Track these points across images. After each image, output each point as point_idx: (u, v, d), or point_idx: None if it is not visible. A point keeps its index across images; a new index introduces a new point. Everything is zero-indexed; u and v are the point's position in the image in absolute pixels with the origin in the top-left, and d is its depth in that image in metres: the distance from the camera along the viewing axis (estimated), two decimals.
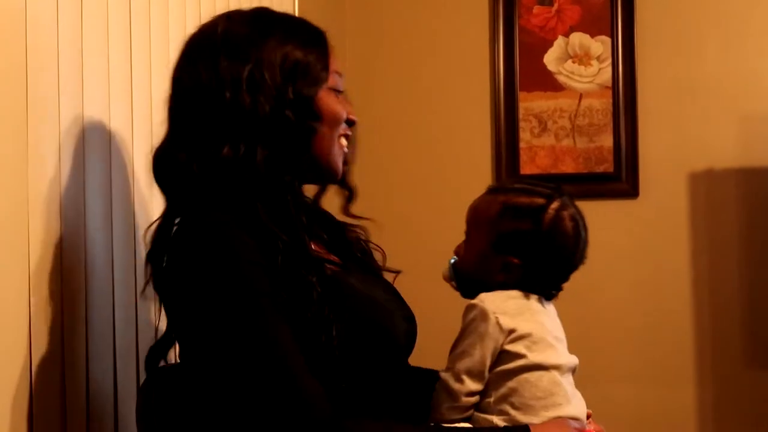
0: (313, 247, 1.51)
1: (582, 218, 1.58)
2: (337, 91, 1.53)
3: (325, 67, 1.50)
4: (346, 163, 1.57)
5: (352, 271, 1.58)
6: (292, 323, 1.38)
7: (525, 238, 1.54)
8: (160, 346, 1.56)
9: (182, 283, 1.41)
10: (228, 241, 1.39)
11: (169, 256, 1.44)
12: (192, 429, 1.50)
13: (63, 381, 1.55)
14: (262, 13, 1.59)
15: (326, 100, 1.50)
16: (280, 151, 1.45)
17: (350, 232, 1.67)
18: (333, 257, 1.58)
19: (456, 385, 1.49)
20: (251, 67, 1.47)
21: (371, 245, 1.69)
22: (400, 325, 1.55)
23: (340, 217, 1.69)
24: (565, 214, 1.55)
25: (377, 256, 1.69)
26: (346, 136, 1.55)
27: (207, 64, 1.48)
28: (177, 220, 1.47)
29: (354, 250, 1.65)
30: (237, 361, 1.36)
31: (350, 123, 1.55)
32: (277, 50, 1.48)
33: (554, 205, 1.54)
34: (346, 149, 1.55)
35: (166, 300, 1.47)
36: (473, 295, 1.56)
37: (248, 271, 1.37)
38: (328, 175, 1.55)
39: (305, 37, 1.52)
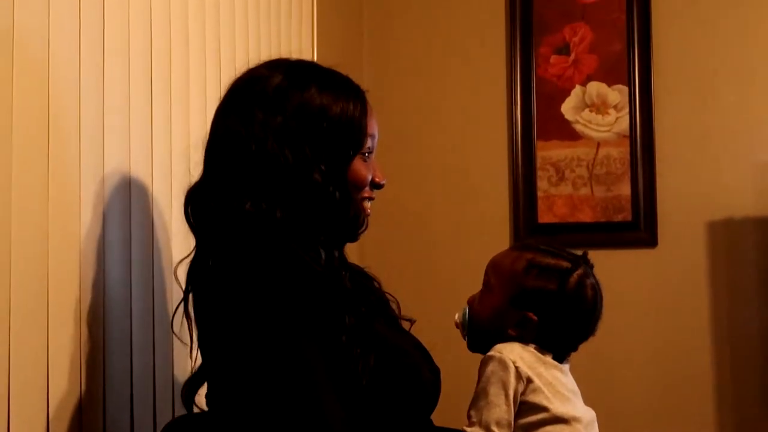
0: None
1: (600, 290, 1.60)
2: (368, 154, 1.52)
3: (363, 132, 1.50)
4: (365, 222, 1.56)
5: (377, 319, 1.57)
6: (330, 373, 1.37)
7: (547, 297, 1.56)
8: (196, 379, 1.55)
9: (223, 322, 1.40)
10: (266, 284, 1.38)
11: (209, 294, 1.43)
12: None
13: (80, 427, 1.55)
14: (302, 64, 1.57)
15: (356, 165, 1.50)
16: (301, 212, 1.46)
17: (370, 281, 1.66)
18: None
19: None
20: (282, 121, 1.46)
21: (387, 294, 1.68)
22: (428, 376, 1.55)
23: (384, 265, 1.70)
24: (588, 282, 1.58)
25: (393, 305, 1.68)
26: (371, 198, 1.55)
27: (241, 114, 1.48)
28: (211, 260, 1.46)
29: (375, 299, 1.64)
30: (276, 406, 1.34)
31: (376, 186, 1.55)
32: (313, 105, 1.48)
33: (579, 271, 1.57)
34: (369, 210, 1.55)
35: (203, 336, 1.47)
36: (480, 347, 1.59)
37: (291, 323, 1.36)
38: (348, 237, 1.55)
39: (344, 96, 1.51)
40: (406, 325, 1.67)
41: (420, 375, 1.53)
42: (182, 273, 1.52)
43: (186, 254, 1.55)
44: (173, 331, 1.65)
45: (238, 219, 1.43)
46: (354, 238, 1.55)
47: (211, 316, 1.42)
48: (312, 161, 1.45)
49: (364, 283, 1.63)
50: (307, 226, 1.46)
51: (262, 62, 1.55)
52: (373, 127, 1.53)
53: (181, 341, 1.59)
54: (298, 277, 1.39)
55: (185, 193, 1.51)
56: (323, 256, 1.48)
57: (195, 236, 1.50)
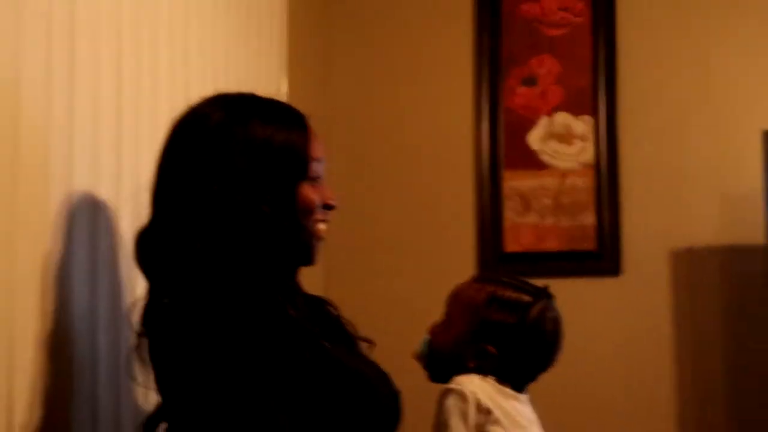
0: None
1: (561, 324, 1.64)
2: (315, 178, 1.53)
3: (307, 158, 1.50)
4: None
5: (335, 345, 1.56)
6: (287, 408, 1.37)
7: (507, 329, 1.59)
8: (155, 417, 1.53)
9: (181, 363, 1.39)
10: (220, 326, 1.38)
11: (164, 336, 1.43)
12: None
13: None
14: (242, 98, 1.59)
15: (303, 191, 1.50)
16: (253, 244, 1.46)
17: (328, 306, 1.67)
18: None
19: None
20: (227, 158, 1.48)
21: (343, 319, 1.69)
22: (387, 399, 1.53)
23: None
24: (548, 315, 1.61)
25: (349, 326, 1.70)
26: (324, 220, 1.55)
27: (185, 154, 1.50)
28: (165, 300, 1.45)
29: (332, 325, 1.65)
30: None
31: (328, 207, 1.55)
32: (254, 139, 1.49)
33: (540, 305, 1.61)
34: (322, 233, 1.55)
35: (161, 376, 1.45)
36: (441, 378, 1.60)
37: (244, 359, 1.37)
38: (302, 261, 1.55)
39: (286, 125, 1.52)
40: (367, 348, 1.67)
41: (378, 398, 1.52)
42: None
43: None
44: (132, 375, 1.65)
45: (189, 260, 1.44)
46: (309, 261, 1.55)
47: (169, 357, 1.42)
48: (259, 193, 1.46)
49: (318, 309, 1.64)
50: (260, 257, 1.46)
51: (202, 98, 1.57)
52: (318, 151, 1.54)
53: (139, 384, 1.59)
54: (247, 316, 1.40)
55: (134, 236, 1.52)
56: (273, 285, 1.49)
57: (147, 279, 1.51)
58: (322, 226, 1.54)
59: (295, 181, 1.49)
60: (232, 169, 1.46)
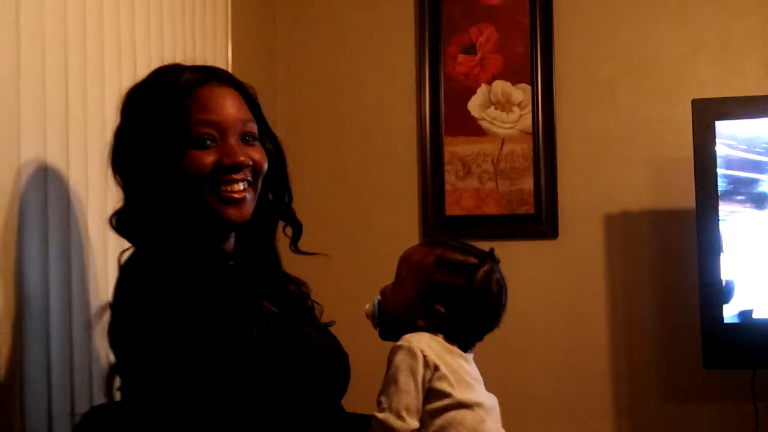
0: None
1: (505, 286, 1.64)
2: (203, 143, 1.51)
3: (183, 126, 1.49)
4: (240, 203, 1.55)
5: (289, 315, 1.61)
6: (232, 369, 1.40)
7: (454, 291, 1.59)
8: (112, 371, 1.55)
9: (130, 323, 1.43)
10: (169, 289, 1.42)
11: (118, 296, 1.49)
12: None
13: None
14: (155, 71, 1.61)
15: (187, 158, 1.50)
16: (161, 210, 1.50)
17: (291, 286, 1.71)
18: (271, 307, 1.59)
19: (398, 423, 1.50)
20: (129, 129, 1.54)
21: (311, 301, 1.72)
22: (334, 361, 1.58)
23: (288, 254, 1.72)
24: (494, 277, 1.62)
25: (317, 309, 1.74)
26: (231, 179, 1.52)
27: (119, 124, 1.57)
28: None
29: (291, 302, 1.68)
30: (178, 403, 1.36)
31: (230, 168, 1.52)
32: (143, 111, 1.53)
33: (486, 267, 1.61)
34: (232, 193, 1.53)
35: (114, 332, 1.49)
36: (391, 336, 1.61)
37: (188, 319, 1.40)
38: (222, 224, 1.55)
39: (162, 96, 1.52)
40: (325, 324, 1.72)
41: (326, 360, 1.56)
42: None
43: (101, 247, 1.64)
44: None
45: (133, 225, 1.55)
46: (221, 225, 1.55)
47: (122, 322, 1.47)
48: (150, 161, 1.49)
49: (279, 285, 1.69)
50: (172, 222, 1.51)
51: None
52: (204, 113, 1.52)
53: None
54: (186, 276, 1.45)
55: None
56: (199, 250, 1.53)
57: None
58: (226, 188, 1.52)
59: (178, 147, 1.49)
60: (130, 142, 1.54)
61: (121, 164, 1.54)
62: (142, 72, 1.67)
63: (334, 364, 1.57)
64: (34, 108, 1.69)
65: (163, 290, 1.40)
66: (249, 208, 1.56)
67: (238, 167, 1.52)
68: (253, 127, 1.58)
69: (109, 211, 1.64)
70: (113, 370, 1.52)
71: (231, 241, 1.61)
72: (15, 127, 1.63)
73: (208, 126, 1.51)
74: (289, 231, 1.71)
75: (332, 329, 1.71)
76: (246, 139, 1.56)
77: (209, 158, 1.50)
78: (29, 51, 1.67)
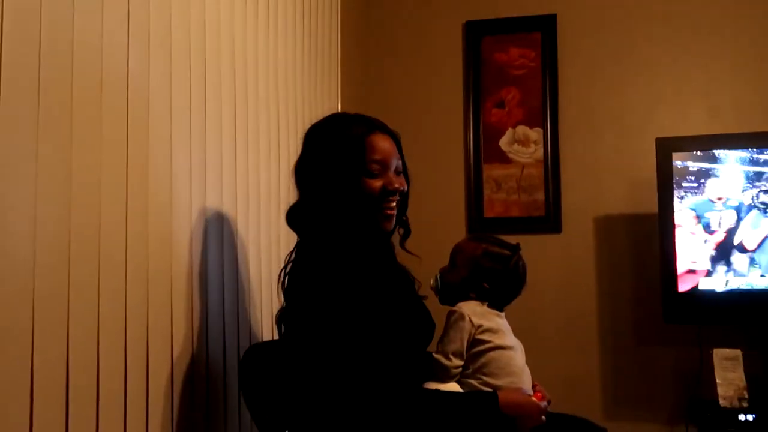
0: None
1: (526, 267, 1.65)
2: (375, 174, 1.51)
3: (361, 162, 1.50)
4: (393, 218, 1.54)
5: (403, 293, 1.65)
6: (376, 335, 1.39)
7: (496, 273, 1.61)
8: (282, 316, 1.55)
9: (304, 297, 1.42)
10: (335, 273, 1.41)
11: (298, 277, 1.47)
12: (286, 400, 1.50)
13: (192, 354, 1.62)
14: (330, 117, 1.61)
15: (364, 184, 1.50)
16: (342, 220, 1.50)
17: (403, 268, 1.74)
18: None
19: (446, 362, 1.52)
20: (315, 157, 1.52)
21: (413, 278, 1.74)
22: (427, 322, 1.62)
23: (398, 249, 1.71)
24: (520, 263, 1.65)
25: (416, 284, 1.72)
26: (390, 200, 1.51)
27: (306, 152, 1.56)
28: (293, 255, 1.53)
29: (405, 278, 1.71)
30: (335, 362, 1.35)
31: (390, 193, 1.51)
32: (327, 148, 1.50)
33: (515, 256, 1.63)
34: (389, 210, 1.51)
35: (290, 299, 1.49)
36: (448, 302, 1.65)
37: (349, 299, 1.38)
38: (380, 233, 1.58)
39: (347, 138, 1.49)
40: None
41: (427, 319, 1.59)
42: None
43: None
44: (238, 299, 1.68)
45: (312, 227, 1.50)
46: (378, 233, 1.54)
47: (297, 292, 1.46)
48: (335, 185, 1.46)
49: (399, 271, 1.68)
50: (349, 228, 1.48)
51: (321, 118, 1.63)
52: (375, 154, 1.48)
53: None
54: (348, 263, 1.43)
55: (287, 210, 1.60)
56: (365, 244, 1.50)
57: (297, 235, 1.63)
58: (387, 206, 1.52)
59: (358, 175, 1.49)
60: (318, 168, 1.50)
61: (304, 179, 1.55)
62: (284, 114, 1.68)
63: (425, 329, 1.61)
64: (209, 157, 1.69)
65: (333, 263, 1.41)
66: (394, 221, 1.60)
67: (396, 192, 1.56)
68: (400, 164, 1.61)
69: (263, 225, 1.55)
70: (281, 317, 1.53)
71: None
72: (201, 170, 1.64)
73: (377, 163, 1.53)
74: (399, 231, 1.70)
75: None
76: (398, 172, 1.60)
77: (378, 183, 1.53)
78: (211, 120, 1.66)
